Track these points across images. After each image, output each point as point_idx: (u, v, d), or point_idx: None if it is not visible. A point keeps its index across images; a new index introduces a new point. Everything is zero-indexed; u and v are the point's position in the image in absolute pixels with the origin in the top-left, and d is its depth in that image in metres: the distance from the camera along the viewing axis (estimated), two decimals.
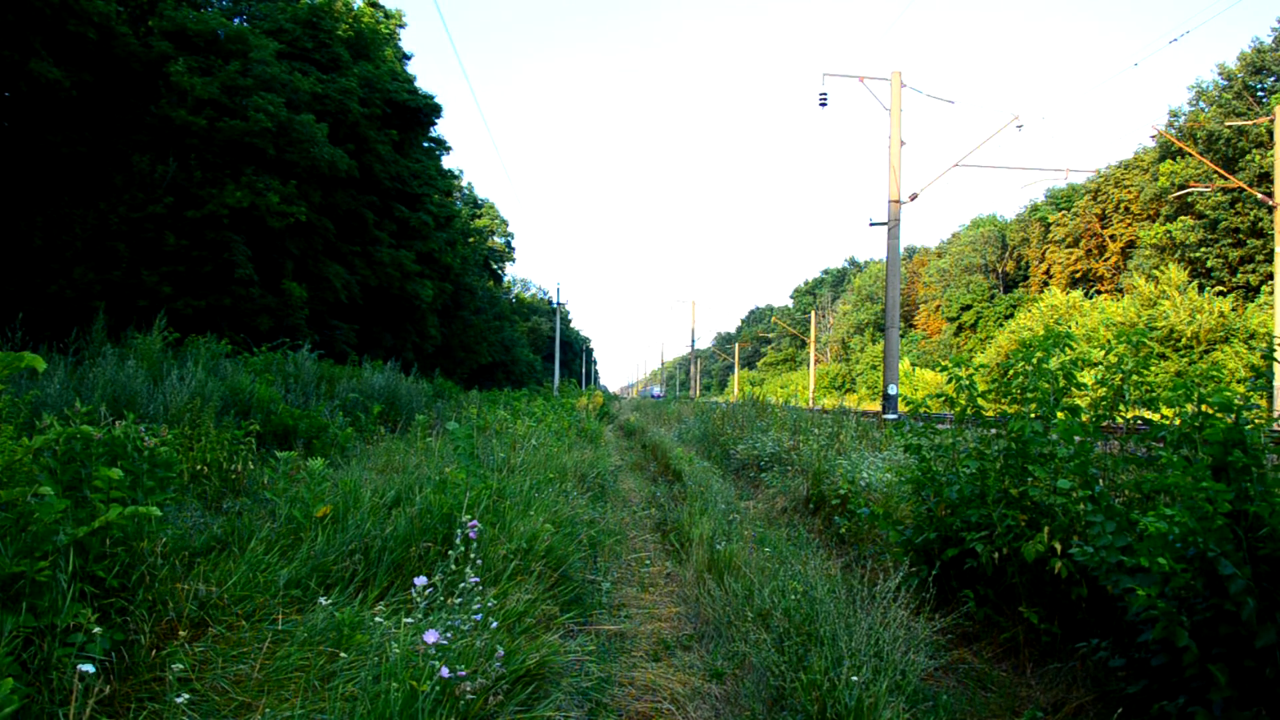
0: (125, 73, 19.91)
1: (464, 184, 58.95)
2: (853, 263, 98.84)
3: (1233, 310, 32.69)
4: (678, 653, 3.92)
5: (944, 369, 4.69)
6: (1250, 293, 38.74)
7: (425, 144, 35.48)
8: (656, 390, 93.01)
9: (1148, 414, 3.95)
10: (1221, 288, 39.09)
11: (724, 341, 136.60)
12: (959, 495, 4.23)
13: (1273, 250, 22.47)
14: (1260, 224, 38.41)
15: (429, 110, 32.29)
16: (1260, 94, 40.62)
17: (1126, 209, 49.93)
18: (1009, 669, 3.69)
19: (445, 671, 2.47)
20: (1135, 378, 4.15)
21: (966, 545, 3.99)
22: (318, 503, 4.28)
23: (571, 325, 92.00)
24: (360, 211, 28.42)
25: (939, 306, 67.22)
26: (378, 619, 3.04)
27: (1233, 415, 3.01)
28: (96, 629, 2.53)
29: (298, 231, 23.53)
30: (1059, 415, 4.05)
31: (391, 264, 29.54)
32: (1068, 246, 54.54)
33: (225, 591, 3.24)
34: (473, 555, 3.36)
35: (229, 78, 20.99)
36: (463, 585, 3.22)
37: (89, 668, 2.22)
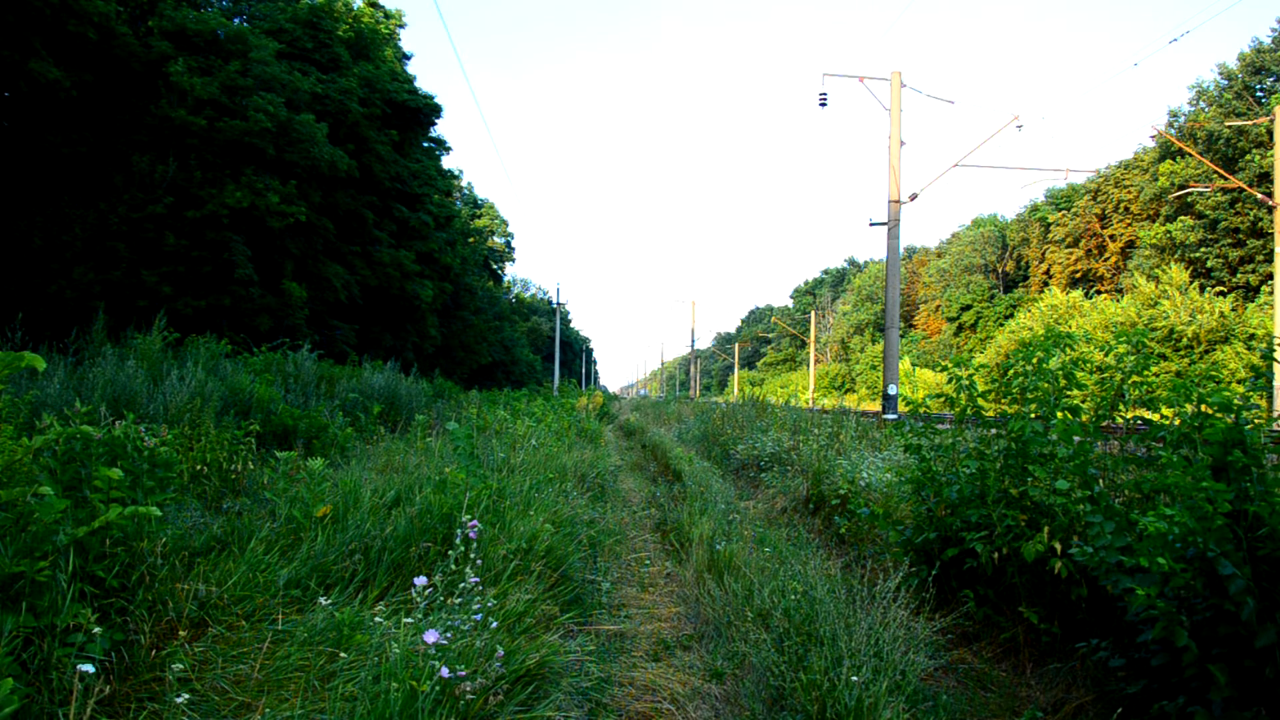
0: (125, 73, 19.91)
1: (464, 184, 58.97)
2: (853, 263, 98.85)
3: (1233, 310, 32.69)
4: (678, 653, 3.92)
5: (944, 369, 4.69)
6: (1250, 293, 38.76)
7: (425, 144, 35.52)
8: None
9: (1147, 414, 3.95)
10: (1221, 288, 39.11)
11: (724, 341, 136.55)
12: (959, 495, 4.23)
13: (1273, 250, 22.48)
14: (1260, 224, 38.43)
15: (429, 110, 32.32)
16: (1260, 94, 40.64)
17: (1126, 209, 49.94)
18: (1009, 669, 3.69)
19: (445, 671, 2.47)
20: (1135, 378, 4.15)
21: (966, 545, 3.99)
22: (318, 503, 4.28)
23: (571, 325, 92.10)
24: (360, 211, 28.44)
25: (939, 306, 67.24)
26: (378, 619, 3.04)
27: (1232, 415, 3.01)
28: (96, 629, 2.53)
29: (298, 231, 23.53)
30: (1059, 415, 4.05)
31: (391, 264, 29.56)
32: (1068, 246, 54.56)
33: (225, 591, 3.24)
34: (473, 555, 3.36)
35: (229, 78, 20.99)
36: (463, 585, 3.22)
37: (89, 668, 2.22)
